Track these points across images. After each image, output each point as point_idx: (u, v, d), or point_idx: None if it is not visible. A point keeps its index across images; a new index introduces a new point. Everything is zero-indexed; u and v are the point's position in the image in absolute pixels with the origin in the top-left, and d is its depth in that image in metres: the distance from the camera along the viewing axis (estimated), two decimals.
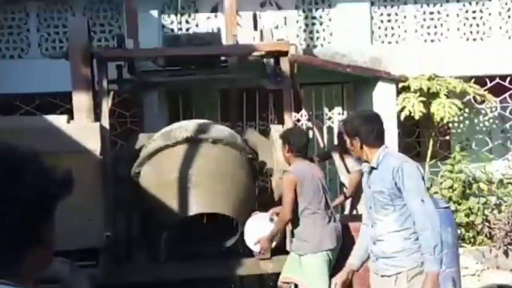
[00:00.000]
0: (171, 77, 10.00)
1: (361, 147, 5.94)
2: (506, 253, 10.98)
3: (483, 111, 13.11)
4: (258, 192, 9.08)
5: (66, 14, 12.24)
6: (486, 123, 13.22)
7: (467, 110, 12.78)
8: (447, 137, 13.39)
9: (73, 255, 7.30)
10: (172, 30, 12.36)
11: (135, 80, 9.84)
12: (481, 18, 12.99)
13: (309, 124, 12.43)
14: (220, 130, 8.48)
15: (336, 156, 10.48)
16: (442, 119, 11.89)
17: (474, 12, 12.97)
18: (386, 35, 12.89)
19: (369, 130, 5.90)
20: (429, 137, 12.39)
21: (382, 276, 5.87)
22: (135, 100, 11.42)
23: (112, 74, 9.39)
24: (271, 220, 7.92)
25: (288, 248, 8.02)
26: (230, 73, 10.08)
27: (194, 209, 7.95)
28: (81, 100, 8.55)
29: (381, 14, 12.87)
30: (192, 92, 12.12)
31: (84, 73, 8.69)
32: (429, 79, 11.98)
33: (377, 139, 5.94)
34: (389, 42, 12.89)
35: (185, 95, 12.19)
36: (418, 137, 13.25)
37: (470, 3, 12.95)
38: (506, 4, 12.95)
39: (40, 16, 12.37)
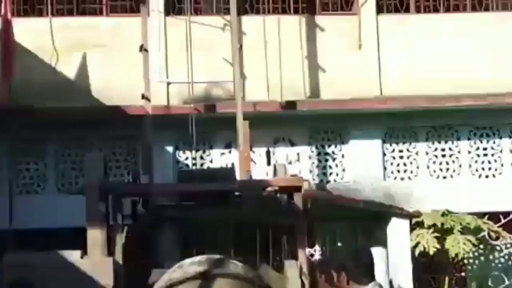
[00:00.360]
0: (185, 211, 10.05)
1: (348, 283, 5.71)
2: None
3: (498, 248, 13.02)
4: None
5: (83, 150, 12.45)
6: (502, 260, 13.10)
7: (482, 246, 12.71)
8: (463, 273, 13.24)
9: None
10: (187, 165, 12.53)
11: (149, 215, 9.90)
12: (492, 155, 13.12)
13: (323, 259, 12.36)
14: (233, 266, 8.44)
15: None
16: (457, 255, 11.81)
17: (485, 149, 13.11)
18: (398, 171, 13.00)
19: (355, 265, 5.71)
20: (445, 273, 12.27)
21: None
22: (149, 234, 11.43)
23: (127, 208, 9.46)
24: None
25: None
26: (243, 208, 10.13)
27: None
28: (95, 235, 8.58)
29: (393, 151, 13.03)
30: (205, 226, 12.13)
31: (99, 209, 8.77)
32: (443, 215, 11.98)
33: (365, 275, 5.72)
34: (402, 178, 12.98)
35: (199, 229, 12.19)
36: (433, 273, 13.11)
37: (481, 141, 13.11)
38: None
39: (58, 152, 12.59)
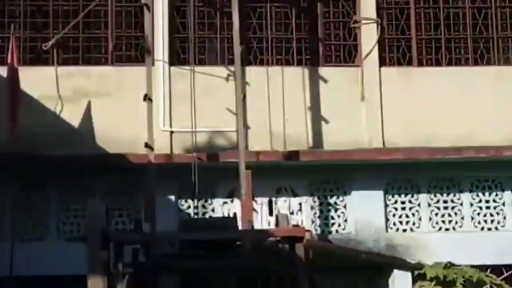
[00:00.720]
0: (187, 260, 10.03)
1: None
2: None
3: None
4: None
5: (85, 198, 12.47)
6: None
7: None
8: None
9: None
10: (189, 214, 12.53)
11: (150, 263, 9.87)
12: (495, 208, 13.12)
13: None
14: None
15: None
16: None
17: (487, 202, 13.11)
18: (400, 223, 12.99)
19: None
20: None
21: None
22: (150, 283, 11.38)
23: (128, 255, 9.45)
24: None
25: None
26: (245, 258, 10.10)
27: None
28: (96, 283, 8.56)
29: (395, 202, 13.03)
30: (207, 276, 12.09)
31: (100, 257, 8.76)
32: (445, 267, 11.95)
33: None
34: (404, 230, 12.96)
35: (200, 279, 12.14)
36: None
37: (484, 193, 13.11)
38: None
39: (60, 199, 12.61)
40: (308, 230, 10.38)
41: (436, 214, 13.06)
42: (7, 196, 12.28)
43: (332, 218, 12.92)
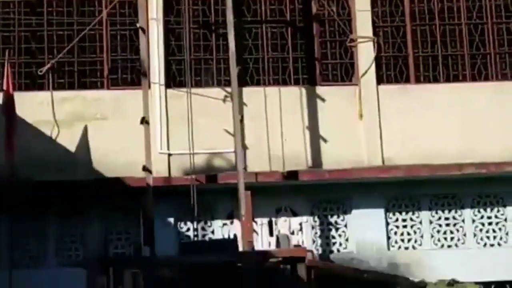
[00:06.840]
0: (187, 284, 9.92)
1: None
2: None
3: None
4: None
5: (84, 223, 12.37)
6: None
7: None
8: None
9: None
10: (188, 236, 12.42)
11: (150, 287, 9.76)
12: (497, 223, 13.01)
13: None
14: None
15: None
16: None
17: (489, 218, 13.01)
18: (402, 240, 12.88)
19: None
20: None
21: None
22: None
23: (128, 281, 9.34)
24: None
25: None
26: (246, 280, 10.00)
27: None
28: None
29: (397, 220, 12.93)
30: None
31: (99, 282, 8.68)
32: (449, 284, 11.84)
33: None
34: (406, 248, 12.85)
35: None
36: None
37: (485, 209, 13.01)
38: None
39: (58, 225, 12.49)
40: (309, 250, 10.26)
41: (438, 232, 12.96)
42: (4, 223, 12.16)
43: (333, 237, 12.81)
